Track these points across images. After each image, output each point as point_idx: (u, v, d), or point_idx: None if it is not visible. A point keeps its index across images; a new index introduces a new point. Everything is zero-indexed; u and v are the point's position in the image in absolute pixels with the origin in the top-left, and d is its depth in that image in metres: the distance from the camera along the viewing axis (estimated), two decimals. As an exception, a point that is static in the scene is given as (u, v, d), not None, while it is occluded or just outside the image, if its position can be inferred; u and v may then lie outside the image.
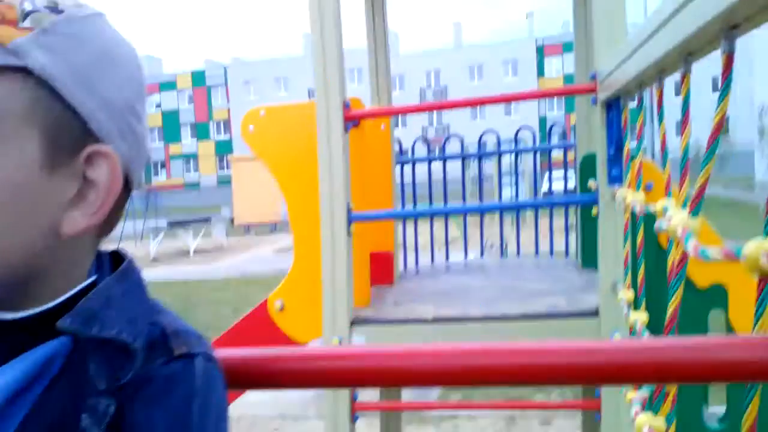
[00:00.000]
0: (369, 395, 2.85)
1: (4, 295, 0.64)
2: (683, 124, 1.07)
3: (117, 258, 0.74)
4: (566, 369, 0.77)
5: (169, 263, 16.91)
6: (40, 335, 0.65)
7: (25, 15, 0.61)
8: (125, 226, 22.42)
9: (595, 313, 2.23)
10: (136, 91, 0.68)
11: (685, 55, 1.04)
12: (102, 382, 0.63)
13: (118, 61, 0.67)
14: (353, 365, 0.84)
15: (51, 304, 0.65)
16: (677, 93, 1.10)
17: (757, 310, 0.75)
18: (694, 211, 0.97)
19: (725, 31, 0.82)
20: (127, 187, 0.70)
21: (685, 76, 1.07)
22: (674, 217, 0.99)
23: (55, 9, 0.62)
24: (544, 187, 16.34)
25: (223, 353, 0.75)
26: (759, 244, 0.67)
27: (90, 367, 0.63)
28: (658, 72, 1.28)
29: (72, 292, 0.66)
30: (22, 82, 0.60)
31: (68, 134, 0.62)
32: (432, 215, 3.86)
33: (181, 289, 12.05)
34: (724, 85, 0.85)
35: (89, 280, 0.68)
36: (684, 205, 1.02)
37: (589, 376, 0.79)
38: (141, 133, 0.69)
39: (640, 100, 1.73)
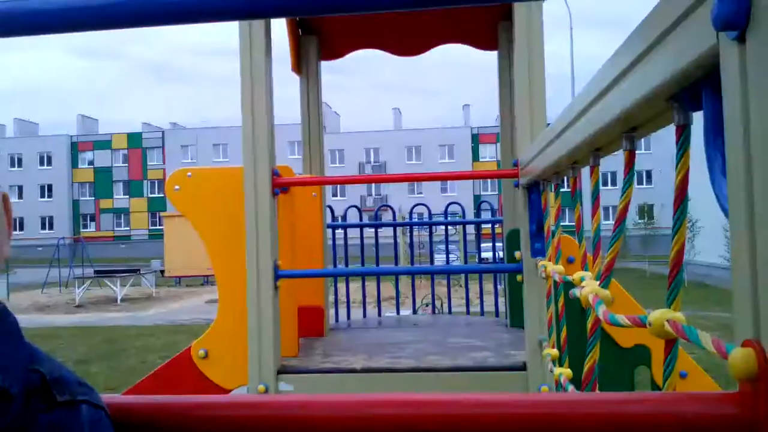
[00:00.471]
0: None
1: None
2: (594, 209, 1.13)
3: None
4: (496, 419, 0.69)
5: (95, 310, 16.06)
6: None
7: None
8: (50, 274, 21.35)
9: (522, 367, 2.23)
10: None
11: (593, 150, 1.10)
12: None
13: None
14: (270, 413, 0.76)
15: None
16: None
17: (665, 370, 0.77)
18: (604, 283, 1.02)
19: (625, 133, 0.88)
20: None
21: (594, 168, 1.13)
22: (586, 287, 1.04)
23: None
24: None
25: (129, 400, 0.70)
26: (662, 313, 0.70)
27: None
28: (570, 163, 1.34)
29: None
30: None
31: None
32: (360, 275, 3.83)
33: (108, 334, 11.46)
34: (626, 178, 0.90)
35: None
36: (597, 277, 1.07)
37: (521, 427, 0.69)
38: None
39: (557, 186, 1.78)
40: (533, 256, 2.13)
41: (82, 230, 55.65)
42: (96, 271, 20.72)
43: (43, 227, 56.65)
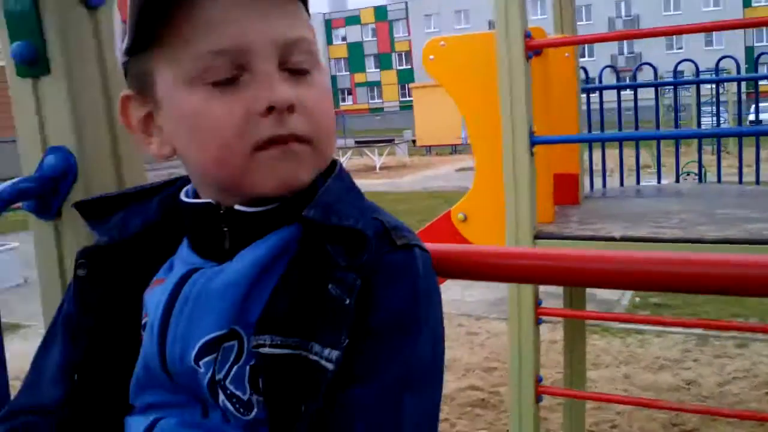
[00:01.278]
0: (552, 303, 2.83)
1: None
2: None
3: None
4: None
5: (358, 177, 17.50)
6: (268, 223, 0.74)
7: None
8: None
9: (807, 241, 1.98)
10: None
11: None
12: (343, 260, 0.69)
13: None
14: (550, 264, 0.85)
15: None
16: None
17: None
18: None
19: None
20: None
21: None
22: None
23: None
24: (751, 117, 14.93)
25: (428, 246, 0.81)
26: None
27: (328, 249, 0.69)
28: None
29: None
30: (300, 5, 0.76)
31: None
32: (618, 140, 3.62)
33: (372, 198, 12.50)
34: None
35: None
36: None
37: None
38: None
39: None
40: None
41: (341, 104, 60.06)
42: (356, 142, 22.45)
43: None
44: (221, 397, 0.71)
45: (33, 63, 1.07)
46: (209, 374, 0.71)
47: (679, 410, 3.37)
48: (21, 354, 1.06)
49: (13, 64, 1.09)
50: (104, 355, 0.79)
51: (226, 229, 0.75)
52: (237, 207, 0.74)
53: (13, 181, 1.05)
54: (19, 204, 1.09)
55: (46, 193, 1.09)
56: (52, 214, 1.11)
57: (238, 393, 0.70)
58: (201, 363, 0.71)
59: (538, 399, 2.37)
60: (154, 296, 0.76)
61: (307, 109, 0.72)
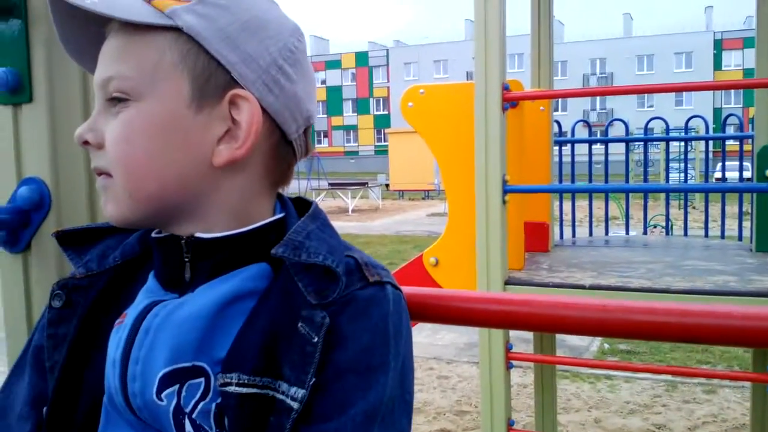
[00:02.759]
0: (522, 348, 2.84)
1: (167, 214, 0.74)
2: None
3: (300, 203, 0.84)
4: (739, 330, 0.70)
5: (330, 219, 17.52)
6: (235, 256, 0.74)
7: None
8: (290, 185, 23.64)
9: (769, 294, 2.02)
10: (284, 54, 0.75)
11: None
12: (313, 298, 0.69)
13: (266, 27, 0.75)
14: (521, 310, 0.86)
15: (245, 229, 0.74)
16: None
17: None
18: None
19: None
20: (286, 140, 0.77)
21: None
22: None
23: None
24: (717, 174, 15.42)
25: (409, 289, 0.82)
26: None
27: (299, 286, 0.70)
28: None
29: (263, 222, 0.76)
30: (175, 38, 0.71)
31: (213, 81, 0.72)
32: (588, 192, 3.70)
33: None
34: None
35: (278, 216, 0.77)
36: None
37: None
38: (290, 90, 0.76)
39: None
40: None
41: (316, 145, 60.46)
42: (330, 184, 22.54)
43: (284, 142, 62.49)
44: (188, 427, 0.69)
45: (16, 90, 1.06)
46: (173, 405, 0.70)
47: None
48: None
49: (-6, 90, 1.08)
50: (75, 389, 0.77)
51: (187, 259, 0.75)
52: (197, 234, 0.74)
53: (-18, 212, 1.03)
54: (-12, 235, 1.07)
55: (16, 225, 1.07)
56: (21, 247, 1.09)
57: (204, 426, 0.69)
58: (163, 395, 0.70)
59: (508, 444, 2.35)
60: (118, 332, 0.74)
61: (107, 143, 0.73)
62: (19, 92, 1.07)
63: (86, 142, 0.73)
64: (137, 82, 0.71)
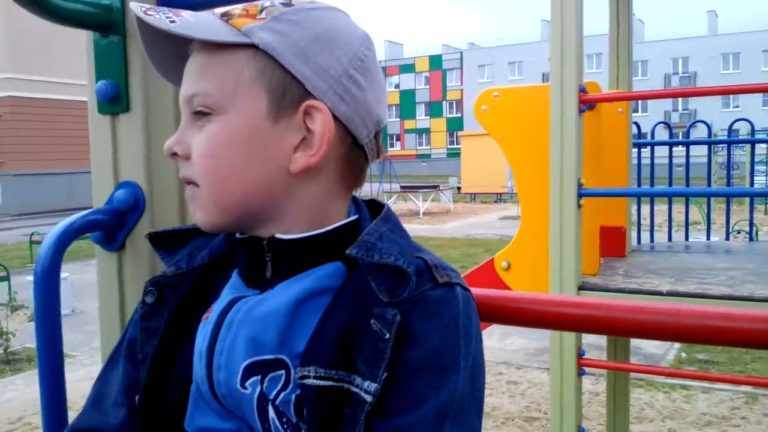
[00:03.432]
0: (595, 354, 2.77)
1: (250, 218, 0.79)
2: None
3: (373, 205, 0.87)
4: None
5: (403, 222, 17.55)
6: (308, 255, 0.78)
7: (262, 9, 0.77)
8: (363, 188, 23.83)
9: None
10: (354, 64, 0.78)
11: None
12: (384, 296, 0.72)
13: (336, 40, 0.77)
14: (592, 313, 0.85)
15: (321, 230, 0.79)
16: None
17: None
18: None
19: None
20: (358, 144, 0.80)
21: None
22: None
23: (287, 4, 0.78)
24: None
25: (482, 291, 0.83)
26: None
27: (371, 285, 0.73)
28: None
29: (338, 224, 0.80)
30: (252, 55, 0.75)
31: (288, 93, 0.75)
32: (666, 195, 3.57)
33: (415, 243, 12.51)
34: None
35: (352, 218, 0.81)
36: None
37: None
38: (361, 97, 0.78)
39: None
40: None
41: (389, 149, 60.79)
42: (402, 187, 22.61)
43: (357, 146, 62.99)
44: (271, 414, 0.74)
45: (114, 101, 1.15)
46: (258, 392, 0.74)
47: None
48: (67, 383, 1.10)
49: (95, 101, 1.16)
50: (165, 379, 0.83)
51: (268, 258, 0.79)
52: (277, 235, 0.79)
53: (85, 212, 1.12)
54: (87, 234, 1.16)
55: (113, 226, 1.15)
56: (117, 246, 1.17)
57: (287, 413, 0.74)
58: (247, 384, 0.74)
59: (579, 452, 2.31)
60: (205, 326, 0.80)
61: (194, 155, 0.77)
62: (117, 102, 1.15)
63: (175, 154, 0.79)
64: (219, 97, 0.76)
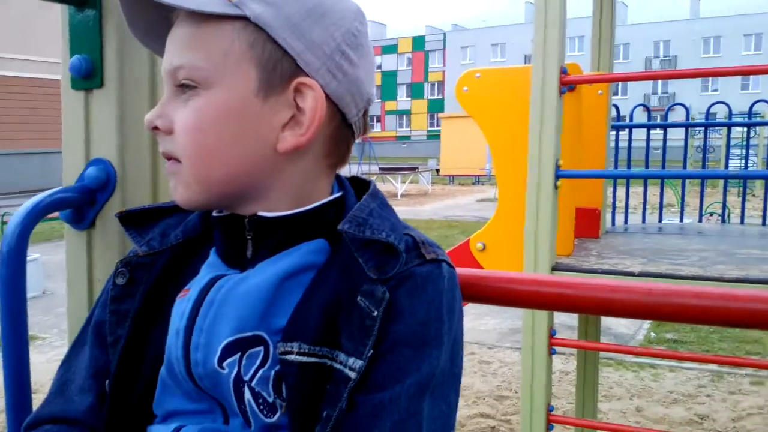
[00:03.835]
0: (566, 334, 2.80)
1: (233, 197, 0.77)
2: None
3: (356, 182, 0.86)
4: None
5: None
6: (295, 233, 0.77)
7: None
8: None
9: (829, 286, 1.96)
10: (347, 39, 0.75)
11: None
12: (373, 273, 0.71)
13: (330, 14, 0.74)
14: (565, 292, 0.86)
15: (306, 208, 0.77)
16: None
17: None
18: None
19: None
20: (346, 122, 0.78)
21: None
22: None
23: None
24: None
25: (463, 271, 0.83)
26: None
27: (359, 261, 0.72)
28: None
29: (323, 201, 0.79)
30: (243, 27, 0.72)
31: (279, 69, 0.73)
32: (643, 177, 3.58)
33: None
34: None
35: (336, 195, 0.80)
36: None
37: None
38: (353, 74, 0.76)
39: None
40: None
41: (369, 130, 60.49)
42: (380, 169, 22.57)
43: (336, 127, 62.91)
44: (247, 395, 0.73)
45: (88, 76, 1.12)
46: (234, 373, 0.73)
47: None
48: (35, 365, 1.08)
49: (69, 77, 1.13)
50: (137, 362, 0.81)
51: (249, 237, 0.78)
52: (260, 213, 0.77)
53: (52, 191, 1.08)
54: (56, 213, 1.13)
55: (83, 204, 1.13)
56: (86, 224, 1.15)
57: (263, 394, 0.73)
58: (225, 364, 0.73)
59: (549, 428, 2.35)
60: (182, 304, 0.78)
61: (177, 130, 0.75)
62: (90, 78, 1.12)
63: (155, 128, 0.76)
64: (207, 71, 0.73)
